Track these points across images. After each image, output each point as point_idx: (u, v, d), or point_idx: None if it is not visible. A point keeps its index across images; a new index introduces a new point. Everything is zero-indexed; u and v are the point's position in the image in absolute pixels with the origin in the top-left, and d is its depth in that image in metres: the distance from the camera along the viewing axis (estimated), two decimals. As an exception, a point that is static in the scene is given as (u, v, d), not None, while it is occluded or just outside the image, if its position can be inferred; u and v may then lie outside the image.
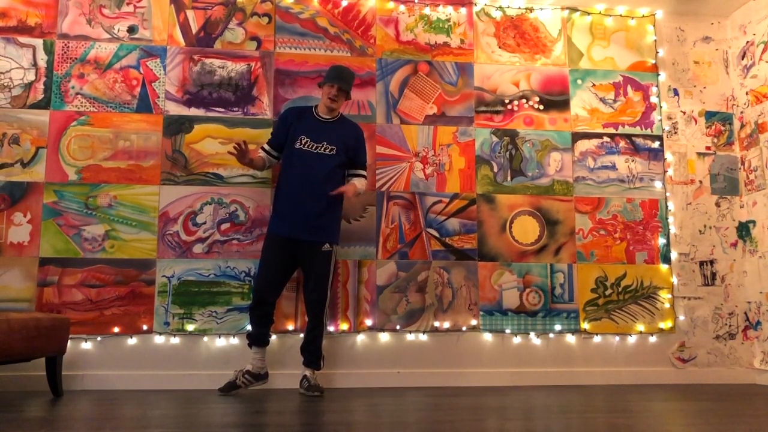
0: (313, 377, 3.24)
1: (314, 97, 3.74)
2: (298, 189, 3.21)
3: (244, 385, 3.20)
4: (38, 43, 3.58)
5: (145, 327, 3.43)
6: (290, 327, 3.54)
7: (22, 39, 3.58)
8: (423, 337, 3.65)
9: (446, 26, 3.96)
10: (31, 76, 3.56)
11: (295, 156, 3.26)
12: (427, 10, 3.95)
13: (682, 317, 3.87)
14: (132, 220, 3.51)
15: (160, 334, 3.44)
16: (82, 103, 3.57)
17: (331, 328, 3.56)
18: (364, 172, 3.42)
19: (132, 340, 3.42)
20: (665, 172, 4.01)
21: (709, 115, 4.14)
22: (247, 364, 3.24)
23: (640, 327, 3.82)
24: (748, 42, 4.08)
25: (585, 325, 3.77)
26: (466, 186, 3.82)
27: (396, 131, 3.82)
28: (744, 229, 4.02)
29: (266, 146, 3.39)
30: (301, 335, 3.52)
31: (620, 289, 3.85)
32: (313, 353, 3.27)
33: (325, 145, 3.27)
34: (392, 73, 3.87)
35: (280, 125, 3.38)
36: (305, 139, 3.26)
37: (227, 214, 3.59)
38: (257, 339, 3.25)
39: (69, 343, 3.20)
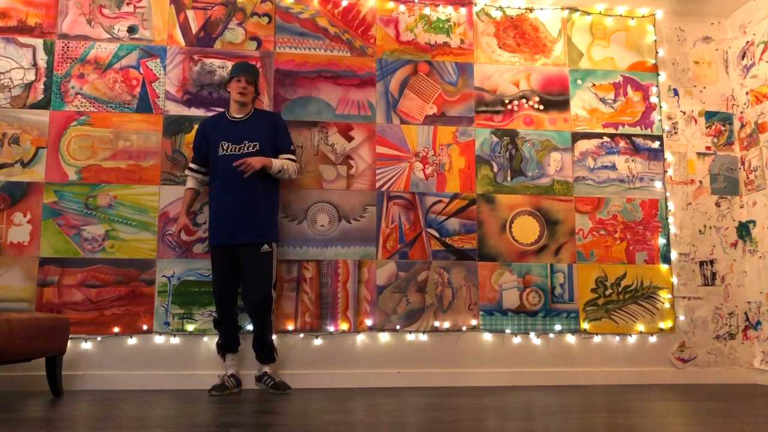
0: (274, 374, 3.29)
1: (315, 97, 3.74)
2: (228, 194, 3.22)
3: (231, 387, 3.23)
4: (38, 43, 3.58)
5: (145, 327, 3.43)
6: (290, 327, 3.54)
7: (22, 39, 3.58)
8: (423, 337, 3.65)
9: (446, 26, 3.96)
10: (31, 76, 3.56)
11: (219, 163, 3.26)
12: (427, 10, 3.95)
13: (682, 317, 3.87)
14: (132, 220, 3.51)
15: (160, 334, 3.44)
16: (82, 103, 3.57)
17: (331, 328, 3.56)
18: (289, 155, 3.38)
19: (132, 340, 3.42)
20: (665, 172, 4.01)
21: (709, 115, 4.14)
22: (228, 369, 3.30)
23: (640, 327, 3.82)
24: (748, 42, 4.08)
25: (585, 325, 3.77)
26: (466, 186, 3.82)
27: (396, 131, 3.82)
28: (744, 229, 4.02)
29: (193, 165, 3.41)
30: (302, 335, 3.53)
31: (620, 289, 3.85)
32: (266, 350, 3.31)
33: (246, 144, 3.27)
34: (392, 73, 3.87)
35: (199, 138, 3.39)
36: (226, 144, 3.27)
37: (227, 214, 3.59)
38: (230, 346, 3.32)
39: (69, 343, 3.20)
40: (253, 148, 3.27)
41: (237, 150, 3.26)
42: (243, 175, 3.18)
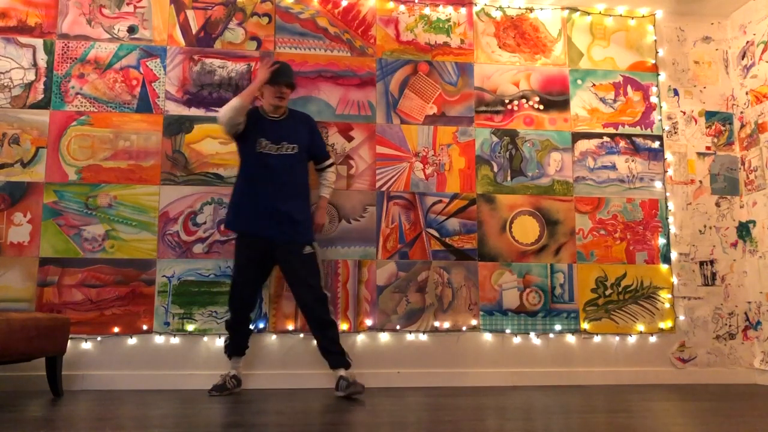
0: (349, 376, 3.13)
1: (315, 97, 3.74)
2: (266, 190, 3.14)
3: (231, 387, 3.20)
4: (38, 43, 3.58)
5: (145, 327, 3.43)
6: (290, 327, 3.54)
7: (22, 39, 3.58)
8: (423, 337, 3.65)
9: (446, 26, 3.96)
10: (31, 76, 3.56)
11: (257, 158, 3.17)
12: (427, 10, 3.95)
13: (682, 317, 3.87)
14: (132, 220, 3.51)
15: (160, 334, 3.44)
16: (82, 103, 3.57)
17: (331, 328, 3.55)
18: (330, 160, 3.43)
19: (132, 340, 3.42)
20: (665, 172, 4.01)
21: (709, 115, 4.14)
22: (232, 369, 3.27)
23: (640, 327, 3.82)
24: (748, 42, 4.08)
25: (585, 325, 3.77)
26: (466, 186, 3.82)
27: (396, 131, 3.82)
28: (744, 229, 4.02)
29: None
30: (302, 335, 3.52)
31: (620, 289, 3.85)
32: (335, 352, 3.17)
33: (285, 145, 3.21)
34: (392, 73, 3.87)
35: (247, 119, 3.23)
36: (265, 142, 3.19)
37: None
38: (240, 350, 3.28)
39: (69, 343, 3.20)
40: (291, 150, 3.21)
41: (276, 150, 3.19)
42: (284, 176, 3.16)
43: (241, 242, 3.23)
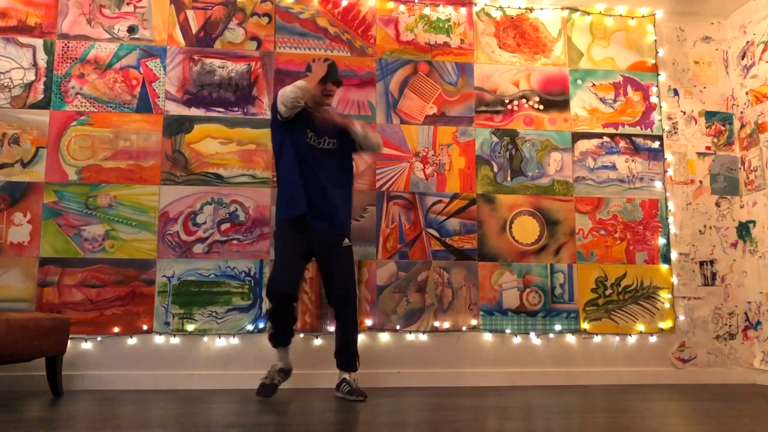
0: (353, 380, 3.07)
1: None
2: (316, 183, 3.04)
3: (280, 382, 3.09)
4: (38, 43, 3.58)
5: (145, 327, 3.43)
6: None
7: (22, 39, 3.58)
8: (423, 337, 3.65)
9: (446, 26, 3.96)
10: (31, 76, 3.56)
11: (305, 148, 3.08)
12: (427, 10, 3.95)
13: (682, 317, 3.87)
14: (132, 220, 3.51)
15: (160, 334, 3.44)
16: (82, 103, 3.57)
17: (331, 328, 3.55)
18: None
19: (132, 340, 3.42)
20: (665, 172, 4.01)
21: (709, 115, 4.14)
22: (276, 362, 3.10)
23: (640, 327, 3.82)
24: (748, 42, 4.08)
25: (585, 325, 3.77)
26: (466, 186, 3.82)
27: (396, 131, 3.82)
28: (744, 229, 4.02)
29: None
30: (302, 335, 3.52)
31: (620, 289, 3.85)
32: (349, 354, 3.10)
33: (326, 140, 3.15)
34: (392, 73, 3.87)
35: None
36: (311, 134, 3.11)
37: (227, 214, 3.59)
38: (284, 339, 3.10)
39: (69, 343, 3.20)
40: (332, 145, 3.15)
41: (318, 144, 3.12)
42: (330, 171, 3.09)
43: (285, 226, 3.07)
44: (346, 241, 3.10)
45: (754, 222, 3.96)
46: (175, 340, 3.45)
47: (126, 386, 3.33)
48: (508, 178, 3.87)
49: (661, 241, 3.93)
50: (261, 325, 3.50)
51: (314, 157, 3.09)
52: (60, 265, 3.42)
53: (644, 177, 3.99)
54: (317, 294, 3.59)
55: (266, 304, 3.23)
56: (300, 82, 3.02)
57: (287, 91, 2.98)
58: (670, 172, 4.02)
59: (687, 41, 4.20)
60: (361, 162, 3.74)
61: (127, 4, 3.70)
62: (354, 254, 3.13)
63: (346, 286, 3.06)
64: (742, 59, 4.12)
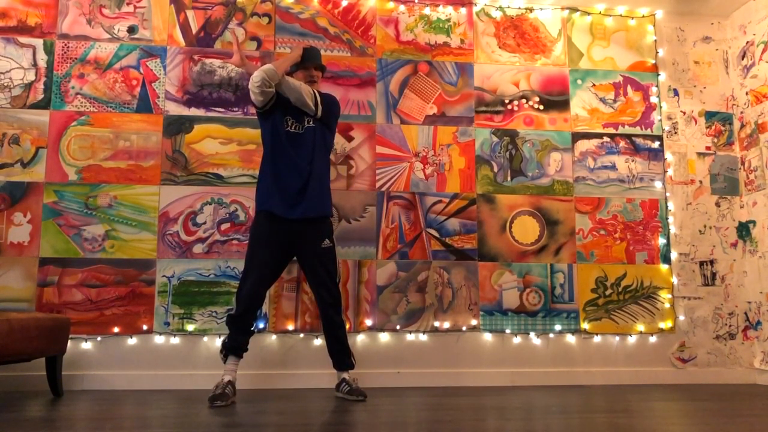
0: (352, 380, 3.07)
1: (314, 97, 3.74)
2: (292, 173, 3.00)
3: (230, 395, 2.88)
4: (38, 43, 3.58)
5: (145, 327, 3.43)
6: (290, 327, 3.54)
7: (22, 39, 3.58)
8: (423, 337, 3.65)
9: (446, 26, 3.96)
10: (31, 76, 3.56)
11: (284, 138, 3.04)
12: (427, 10, 3.95)
13: (682, 317, 3.87)
14: (132, 220, 3.51)
15: (160, 334, 3.44)
16: (82, 103, 3.57)
17: (331, 328, 3.55)
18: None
19: (132, 340, 3.42)
20: (665, 172, 4.01)
21: (709, 115, 4.14)
22: (225, 374, 2.94)
23: (640, 327, 3.82)
24: (748, 42, 4.08)
25: (585, 325, 3.77)
26: (466, 186, 3.82)
27: (396, 131, 3.82)
28: (744, 229, 4.01)
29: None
30: (302, 335, 3.52)
31: (620, 289, 3.85)
32: (343, 353, 3.09)
33: (306, 120, 3.08)
34: (392, 73, 3.87)
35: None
36: (291, 120, 3.07)
37: (227, 214, 3.59)
38: (239, 349, 2.99)
39: (69, 343, 3.21)
40: (311, 122, 3.08)
41: (298, 129, 3.06)
42: (307, 156, 3.02)
43: (260, 222, 3.03)
44: (327, 242, 3.06)
45: (754, 222, 3.96)
46: (175, 340, 3.45)
47: (126, 386, 3.34)
48: (508, 178, 3.87)
49: (661, 241, 3.93)
50: (261, 325, 3.50)
51: (292, 142, 3.03)
52: (60, 265, 3.42)
53: (644, 177, 3.99)
54: (317, 294, 3.58)
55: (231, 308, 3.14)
56: (266, 66, 2.97)
57: (254, 76, 2.95)
58: (670, 172, 4.02)
59: (687, 41, 4.20)
60: (361, 162, 3.74)
61: (127, 4, 3.70)
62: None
63: (330, 287, 3.05)
64: (742, 59, 4.12)
